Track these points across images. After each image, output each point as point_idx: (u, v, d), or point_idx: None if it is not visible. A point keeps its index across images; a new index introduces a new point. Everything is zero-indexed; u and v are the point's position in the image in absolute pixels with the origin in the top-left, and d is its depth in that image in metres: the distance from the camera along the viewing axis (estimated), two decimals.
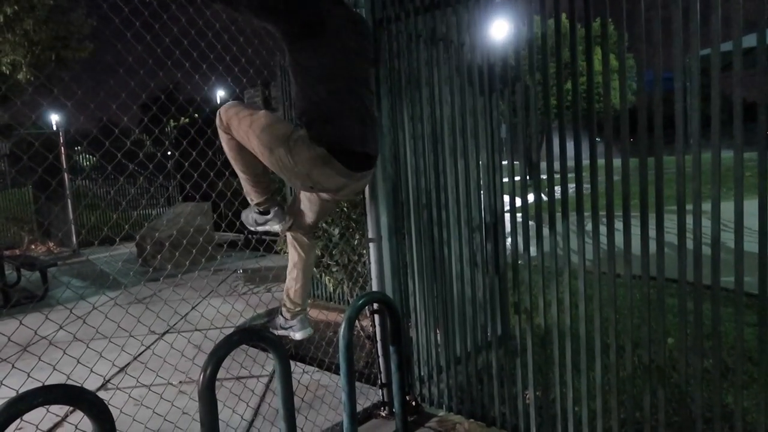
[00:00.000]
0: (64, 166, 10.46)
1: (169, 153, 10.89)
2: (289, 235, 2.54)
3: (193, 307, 5.40)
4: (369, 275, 3.15)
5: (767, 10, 1.95)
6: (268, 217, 2.44)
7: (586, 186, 2.41)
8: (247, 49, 2.86)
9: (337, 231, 3.80)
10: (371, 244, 3.09)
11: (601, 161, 2.34)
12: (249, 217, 2.54)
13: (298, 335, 2.59)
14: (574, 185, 2.43)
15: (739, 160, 1.98)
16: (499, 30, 2.81)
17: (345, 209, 3.88)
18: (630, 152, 2.28)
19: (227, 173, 3.54)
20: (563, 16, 2.47)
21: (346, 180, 2.15)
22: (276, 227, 2.45)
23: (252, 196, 2.42)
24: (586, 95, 2.38)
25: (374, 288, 3.10)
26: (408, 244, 3.09)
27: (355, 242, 3.84)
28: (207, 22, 2.84)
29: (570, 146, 2.42)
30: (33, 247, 10.81)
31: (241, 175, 2.37)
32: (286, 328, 2.60)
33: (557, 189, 2.55)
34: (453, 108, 2.87)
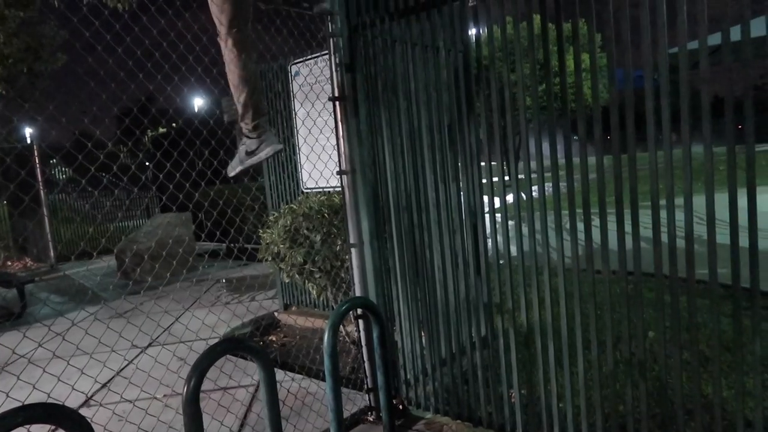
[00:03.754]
0: (39, 181, 10.26)
1: (146, 164, 10.76)
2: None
3: (176, 319, 5.34)
4: (352, 280, 3.15)
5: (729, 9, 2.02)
6: (263, 138, 2.52)
7: (563, 184, 2.45)
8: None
9: (318, 237, 3.79)
10: (353, 250, 3.09)
11: (576, 160, 2.38)
12: (236, 156, 2.60)
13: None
14: (551, 184, 2.47)
15: (709, 155, 2.04)
16: (474, 32, 2.84)
17: (326, 215, 3.88)
18: (604, 150, 2.32)
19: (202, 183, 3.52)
20: (536, 17, 2.51)
21: None
22: (268, 148, 2.51)
23: (248, 118, 2.52)
24: (560, 95, 2.42)
25: (357, 293, 3.11)
26: (390, 248, 3.10)
27: (337, 248, 3.84)
28: (179, 33, 2.83)
29: (546, 146, 2.47)
30: (9, 263, 10.58)
31: (239, 90, 2.47)
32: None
33: (535, 188, 2.58)
34: (430, 110, 2.89)
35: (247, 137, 2.56)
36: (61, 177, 12.40)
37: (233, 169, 2.61)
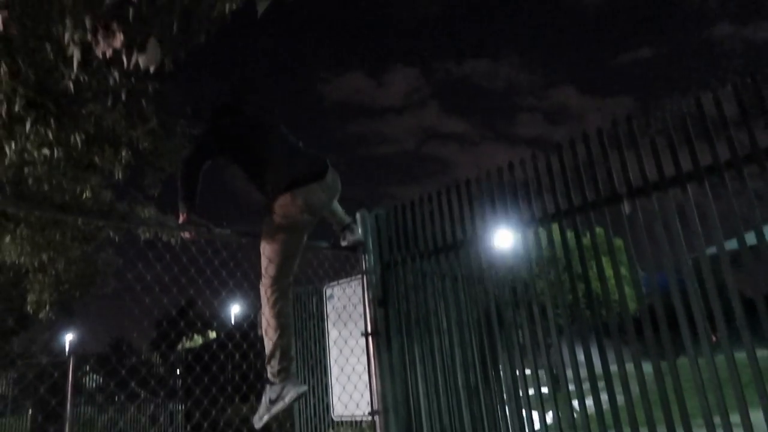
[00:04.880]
0: (69, 394, 10.13)
1: (179, 378, 10.66)
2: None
3: None
4: None
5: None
6: (285, 382, 2.53)
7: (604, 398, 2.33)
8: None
9: None
10: None
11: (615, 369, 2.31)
12: (261, 405, 2.57)
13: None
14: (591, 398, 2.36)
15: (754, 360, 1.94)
16: (501, 262, 2.96)
17: None
18: (643, 357, 2.26)
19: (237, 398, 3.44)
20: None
21: (303, 198, 2.54)
22: (292, 393, 2.50)
23: (274, 361, 2.55)
24: (589, 304, 2.46)
25: None
26: None
27: None
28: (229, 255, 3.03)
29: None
30: None
31: (271, 336, 2.55)
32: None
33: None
34: (463, 347, 2.89)
35: (270, 383, 2.56)
36: (92, 386, 12.24)
37: (260, 420, 2.54)
